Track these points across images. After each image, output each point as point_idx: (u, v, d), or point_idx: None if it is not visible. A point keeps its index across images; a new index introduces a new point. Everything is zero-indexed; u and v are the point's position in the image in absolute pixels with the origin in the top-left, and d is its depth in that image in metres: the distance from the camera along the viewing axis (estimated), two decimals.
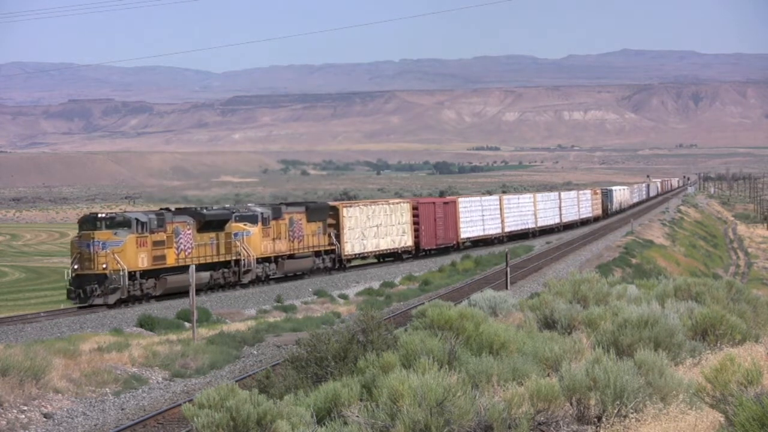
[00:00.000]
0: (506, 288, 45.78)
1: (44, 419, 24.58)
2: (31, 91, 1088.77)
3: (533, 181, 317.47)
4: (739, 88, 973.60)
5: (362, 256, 70.43)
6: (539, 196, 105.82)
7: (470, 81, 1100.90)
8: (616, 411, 13.99)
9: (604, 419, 14.04)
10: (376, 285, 60.58)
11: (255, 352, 34.86)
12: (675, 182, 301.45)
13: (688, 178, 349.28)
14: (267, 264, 58.07)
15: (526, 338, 18.45)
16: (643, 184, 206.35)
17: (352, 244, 67.54)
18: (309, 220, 62.05)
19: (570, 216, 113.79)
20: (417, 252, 77.15)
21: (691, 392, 14.17)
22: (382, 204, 73.91)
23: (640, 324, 17.99)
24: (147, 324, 41.72)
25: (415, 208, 76.46)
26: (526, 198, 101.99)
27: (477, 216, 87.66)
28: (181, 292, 50.87)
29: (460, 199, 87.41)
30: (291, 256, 60.26)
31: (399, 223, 73.87)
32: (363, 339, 19.25)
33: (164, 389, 28.88)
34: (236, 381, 23.88)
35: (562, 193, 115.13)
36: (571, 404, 14.38)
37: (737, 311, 20.90)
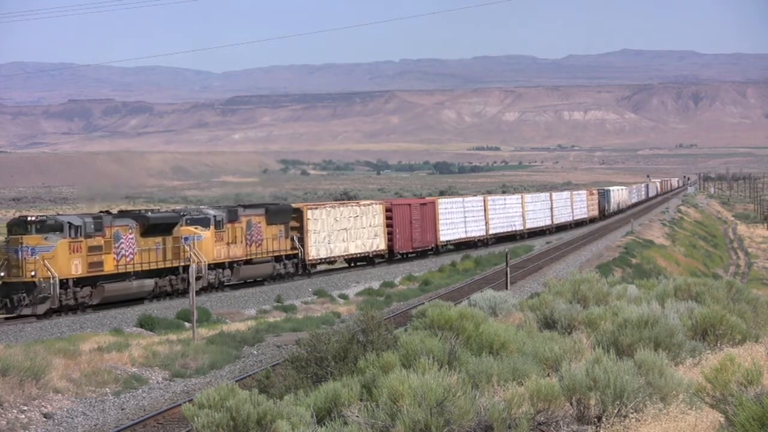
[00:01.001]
0: (506, 288, 45.77)
1: (44, 419, 24.59)
2: (31, 91, 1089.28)
3: (533, 181, 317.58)
4: (739, 88, 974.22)
5: (329, 261, 66.72)
6: (528, 196, 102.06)
7: (470, 81, 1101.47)
8: (616, 411, 14.00)
9: (604, 419, 14.04)
10: (376, 285, 60.58)
11: (255, 352, 34.87)
12: (675, 182, 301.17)
13: (688, 178, 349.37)
14: (220, 270, 54.56)
15: (526, 338, 18.46)
16: (642, 185, 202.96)
17: (317, 248, 63.88)
18: (269, 223, 58.56)
19: (562, 217, 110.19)
20: (391, 256, 73.52)
21: (691, 392, 14.18)
22: (353, 206, 69.98)
23: (640, 324, 18.00)
24: (147, 324, 41.73)
25: (388, 210, 72.61)
26: (514, 199, 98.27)
27: (458, 218, 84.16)
28: (122, 302, 48.10)
29: (440, 200, 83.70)
30: (248, 262, 56.65)
31: (371, 226, 69.94)
32: (363, 339, 19.26)
33: (164, 389, 28.89)
34: (236, 381, 23.89)
35: (554, 194, 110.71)
36: (571, 404, 14.38)
37: (737, 311, 20.91)
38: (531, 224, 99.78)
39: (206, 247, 53.08)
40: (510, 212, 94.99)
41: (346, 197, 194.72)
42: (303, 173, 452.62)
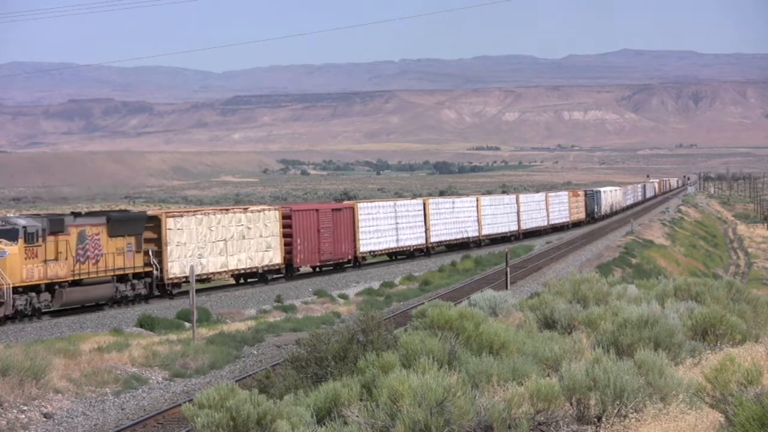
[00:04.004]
0: (506, 288, 45.77)
1: (44, 419, 24.59)
2: (31, 91, 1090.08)
3: (533, 181, 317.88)
4: (739, 88, 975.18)
5: (201, 279, 54.42)
6: (485, 199, 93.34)
7: (470, 81, 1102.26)
8: (616, 411, 14.00)
9: (604, 419, 14.04)
10: (376, 285, 60.60)
11: (255, 352, 34.89)
12: (674, 182, 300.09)
13: (688, 178, 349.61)
14: (35, 294, 44.02)
15: (526, 338, 18.45)
16: (639, 185, 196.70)
17: (182, 264, 52.83)
18: (112, 235, 47.97)
19: (533, 222, 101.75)
20: (289, 271, 63.06)
21: (691, 392, 14.17)
22: (237, 212, 59.16)
23: (640, 324, 18.00)
24: (147, 324, 41.75)
25: (286, 217, 62.46)
26: (466, 202, 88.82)
27: (387, 224, 74.13)
28: None
29: (360, 205, 72.74)
30: (77, 283, 45.90)
31: (261, 236, 59.47)
32: (363, 339, 19.27)
33: (164, 389, 28.90)
34: (236, 381, 23.90)
35: (522, 196, 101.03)
36: (571, 404, 14.38)
37: (737, 311, 20.90)
38: (489, 230, 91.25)
39: (12, 265, 42.91)
40: (461, 217, 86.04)
41: (346, 197, 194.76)
42: (303, 173, 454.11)
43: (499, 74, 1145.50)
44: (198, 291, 54.53)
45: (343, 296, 55.98)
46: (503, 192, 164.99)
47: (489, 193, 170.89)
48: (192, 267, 39.97)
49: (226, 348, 34.27)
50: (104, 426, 24.50)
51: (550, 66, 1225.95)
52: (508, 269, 49.61)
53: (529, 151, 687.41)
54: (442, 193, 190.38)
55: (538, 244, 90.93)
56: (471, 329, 18.18)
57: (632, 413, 13.93)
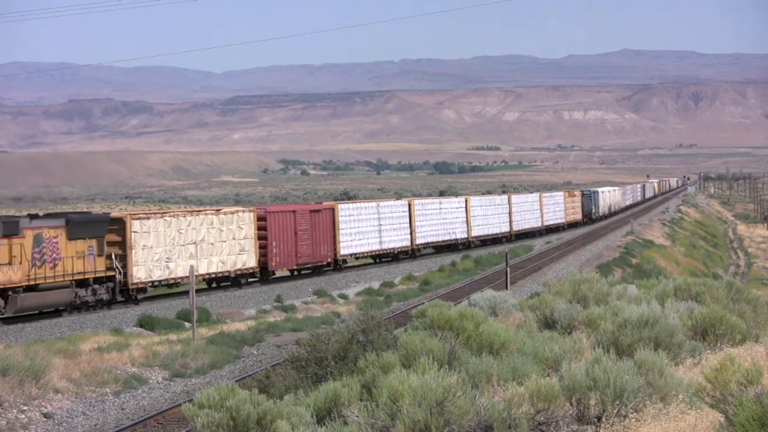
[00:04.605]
0: (506, 288, 45.77)
1: (44, 419, 24.59)
2: (31, 91, 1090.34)
3: (533, 181, 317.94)
4: (739, 88, 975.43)
5: (168, 284, 52.68)
6: (475, 200, 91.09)
7: (470, 81, 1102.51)
8: (616, 411, 13.99)
9: (604, 419, 14.04)
10: (375, 285, 60.58)
11: (255, 352, 34.89)
12: (674, 182, 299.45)
13: (688, 178, 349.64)
14: None
15: (526, 338, 18.44)
16: (638, 185, 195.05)
17: (148, 269, 50.58)
18: (72, 238, 45.21)
19: (527, 223, 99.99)
20: (264, 275, 60.44)
21: (691, 392, 14.17)
22: (209, 214, 56.60)
23: (640, 324, 18.00)
24: (147, 324, 41.74)
25: (261, 219, 59.95)
26: (454, 203, 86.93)
27: (369, 226, 72.14)
28: None
29: (341, 206, 70.29)
30: (32, 288, 43.15)
31: (234, 239, 57.00)
32: (363, 339, 19.28)
33: (164, 389, 28.90)
34: (236, 381, 23.92)
35: (514, 197, 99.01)
36: (571, 404, 14.38)
37: (737, 311, 20.90)
38: (479, 231, 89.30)
39: None
40: (449, 218, 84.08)
41: (346, 197, 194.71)
42: (303, 173, 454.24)
43: (499, 74, 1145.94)
44: (164, 296, 53.82)
45: (343, 296, 55.99)
46: (503, 192, 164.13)
47: (489, 192, 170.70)
48: (192, 267, 39.95)
49: (226, 348, 34.27)
50: (104, 426, 24.50)
51: (550, 66, 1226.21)
52: (508, 269, 49.60)
53: (529, 151, 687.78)
54: (442, 193, 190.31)
55: (538, 244, 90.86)
56: (471, 329, 18.17)
57: (632, 413, 13.93)
